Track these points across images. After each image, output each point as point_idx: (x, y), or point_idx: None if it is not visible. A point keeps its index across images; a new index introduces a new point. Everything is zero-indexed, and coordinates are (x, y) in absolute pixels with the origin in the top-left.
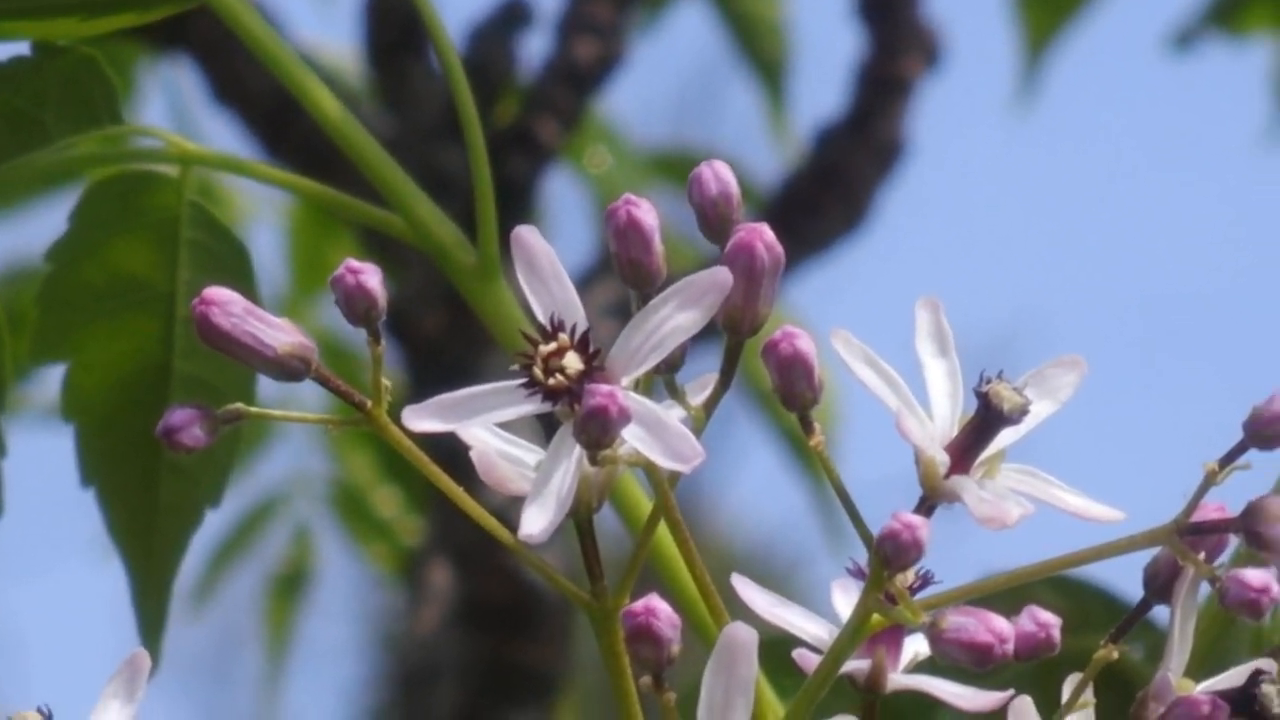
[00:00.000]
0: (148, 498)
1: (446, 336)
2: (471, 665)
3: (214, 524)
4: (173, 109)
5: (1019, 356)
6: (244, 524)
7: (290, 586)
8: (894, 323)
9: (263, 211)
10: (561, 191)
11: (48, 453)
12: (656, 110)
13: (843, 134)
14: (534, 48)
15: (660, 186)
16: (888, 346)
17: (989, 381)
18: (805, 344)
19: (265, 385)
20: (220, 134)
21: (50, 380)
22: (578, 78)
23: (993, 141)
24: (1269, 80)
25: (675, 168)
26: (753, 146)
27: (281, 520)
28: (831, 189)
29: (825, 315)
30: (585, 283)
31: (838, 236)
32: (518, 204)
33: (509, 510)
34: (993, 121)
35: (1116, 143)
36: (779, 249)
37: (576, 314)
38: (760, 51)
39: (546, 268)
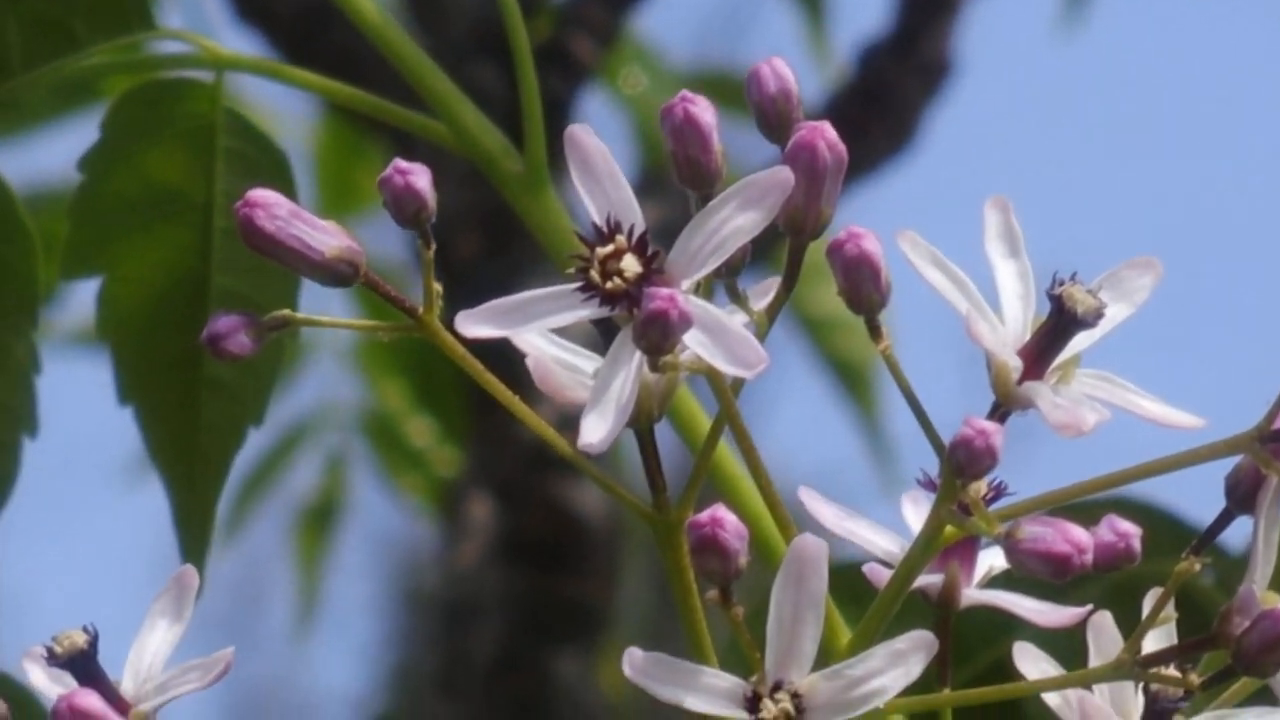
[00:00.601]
0: (188, 416)
1: (482, 260)
2: (514, 601)
3: (245, 453)
4: (192, 26)
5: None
6: (272, 455)
7: (321, 519)
8: (942, 244)
9: (288, 133)
10: (596, 113)
11: (67, 383)
12: (691, 30)
13: (887, 53)
14: None
15: None
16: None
17: (1062, 284)
18: (871, 244)
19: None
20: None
21: (71, 305)
22: None
23: (1043, 59)
24: None
25: (712, 87)
26: (793, 65)
27: (311, 451)
28: (876, 111)
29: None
30: None
31: (883, 160)
32: (554, 122)
33: (565, 435)
34: (1043, 38)
35: (1174, 56)
36: (842, 147)
37: (634, 215)
38: None
39: (601, 167)
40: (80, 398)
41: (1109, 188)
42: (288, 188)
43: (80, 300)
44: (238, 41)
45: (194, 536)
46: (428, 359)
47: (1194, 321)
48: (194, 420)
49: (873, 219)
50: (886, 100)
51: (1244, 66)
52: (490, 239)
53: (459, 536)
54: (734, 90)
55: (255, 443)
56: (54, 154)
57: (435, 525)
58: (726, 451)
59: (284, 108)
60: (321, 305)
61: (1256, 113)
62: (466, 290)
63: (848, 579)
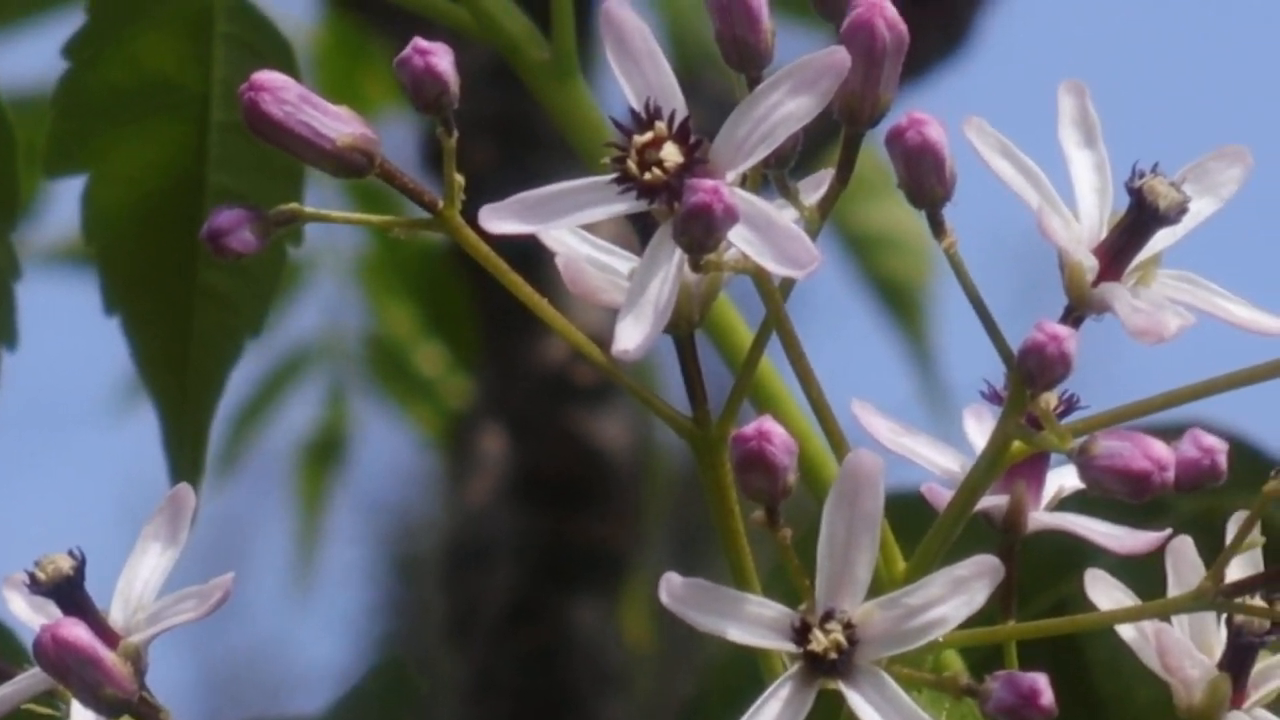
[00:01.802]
0: (180, 325)
1: (498, 171)
2: (528, 544)
3: (235, 385)
4: None
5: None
6: (269, 384)
7: (322, 456)
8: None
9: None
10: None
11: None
12: None
13: None
14: None
15: None
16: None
17: (1143, 176)
18: (935, 132)
19: None
20: None
21: (48, 222)
22: None
23: None
24: None
25: None
26: None
27: (311, 380)
28: (926, 7)
29: None
30: None
31: (934, 62)
32: (581, 9)
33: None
34: None
35: None
36: (902, 27)
37: (675, 100)
38: None
39: (640, 47)
40: (61, 324)
41: (1192, 84)
42: (293, 77)
43: (58, 216)
44: None
45: (186, 458)
46: (438, 279)
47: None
48: (186, 330)
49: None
50: None
51: None
52: (510, 146)
53: (468, 473)
54: None
55: (248, 372)
56: (36, 54)
57: (442, 461)
58: (771, 367)
59: (281, 5)
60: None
61: None
62: (480, 203)
63: (904, 508)
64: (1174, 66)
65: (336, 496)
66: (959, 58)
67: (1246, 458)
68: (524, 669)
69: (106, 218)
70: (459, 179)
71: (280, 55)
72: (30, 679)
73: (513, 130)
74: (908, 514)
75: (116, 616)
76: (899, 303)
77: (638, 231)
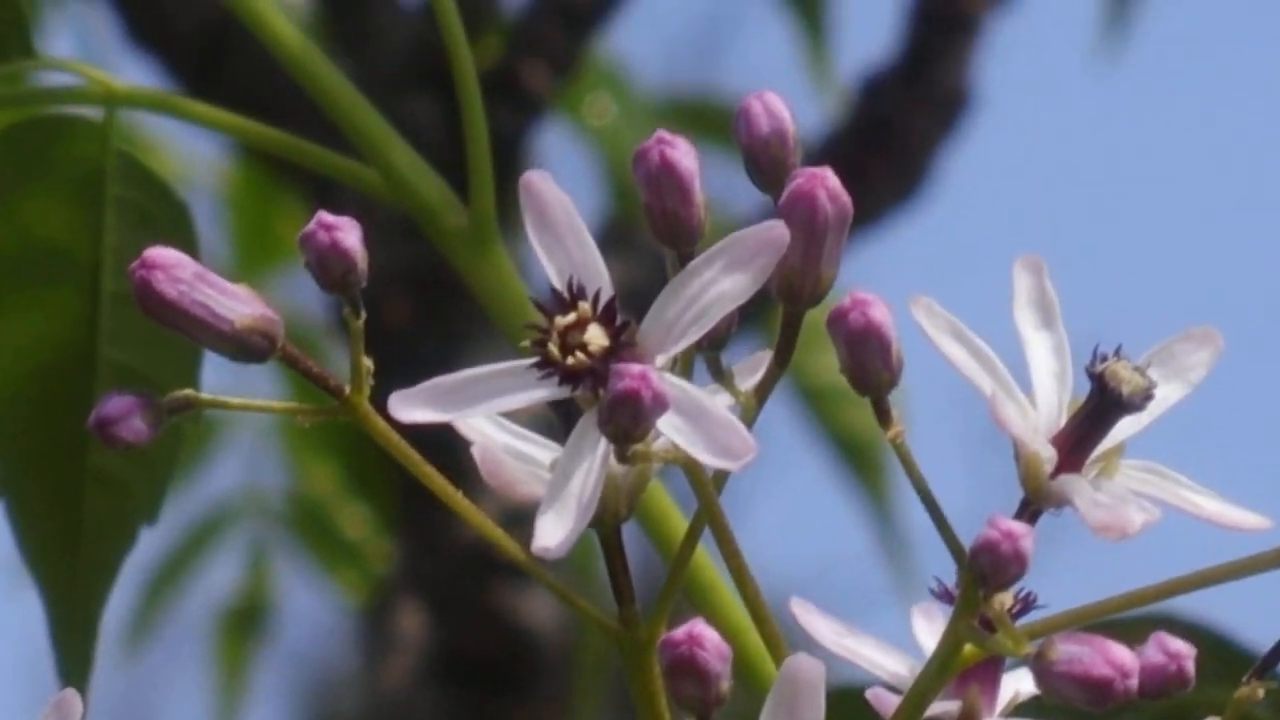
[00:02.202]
0: (69, 514)
1: (418, 327)
2: None
3: (149, 548)
4: (84, 50)
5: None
6: (185, 546)
7: (243, 623)
8: (956, 309)
9: (196, 174)
10: (556, 148)
11: None
12: (669, 48)
13: (894, 82)
14: None
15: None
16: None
17: (1105, 359)
18: (880, 313)
19: (209, 377)
20: (139, 80)
21: None
22: (571, 15)
23: (1075, 90)
24: None
25: (693, 117)
26: (785, 94)
27: (231, 543)
28: (881, 149)
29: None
30: None
31: (889, 207)
32: (504, 163)
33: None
34: (1074, 65)
35: (1224, 89)
36: (846, 199)
37: (600, 278)
38: None
39: (562, 221)
40: None
41: (1154, 242)
42: (189, 245)
43: None
44: (133, 69)
45: (74, 655)
46: (360, 437)
47: (1257, 402)
48: (76, 519)
49: (875, 276)
50: (893, 137)
51: None
52: (428, 302)
53: (386, 651)
54: (717, 120)
55: (164, 534)
56: None
57: (358, 637)
58: (705, 555)
59: (191, 146)
60: (237, 374)
61: None
62: (399, 362)
63: (848, 706)
64: (1142, 208)
65: (259, 666)
66: (913, 202)
67: (1215, 650)
68: None
69: None
70: (367, 363)
71: (176, 221)
72: None
73: (435, 284)
74: (860, 710)
75: None
76: (857, 458)
77: (560, 418)
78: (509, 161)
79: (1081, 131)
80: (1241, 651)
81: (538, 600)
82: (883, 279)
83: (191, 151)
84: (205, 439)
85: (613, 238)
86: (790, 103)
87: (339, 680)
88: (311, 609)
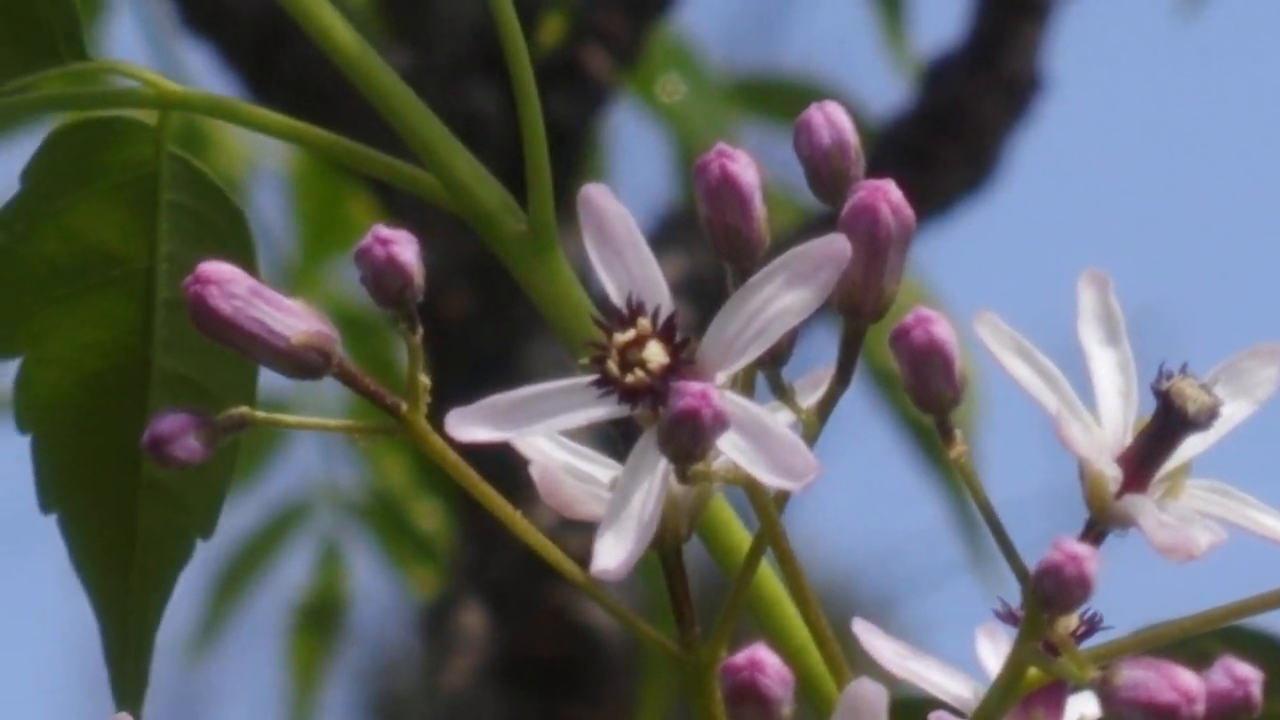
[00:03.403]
0: (124, 526)
1: (479, 321)
2: None
3: (221, 543)
4: (145, 35)
5: (1188, 343)
6: (257, 543)
7: (317, 620)
8: (1026, 297)
9: (262, 160)
10: (625, 130)
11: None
12: (738, 25)
13: (963, 66)
14: None
15: (749, 120)
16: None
17: (1170, 377)
18: (943, 330)
19: (269, 379)
20: (199, 66)
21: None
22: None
23: (1148, 74)
24: None
25: (766, 97)
26: (858, 73)
27: (304, 538)
28: (951, 134)
29: (944, 292)
30: (653, 248)
31: (959, 193)
32: (567, 150)
33: (567, 538)
34: (1148, 49)
35: None
36: (909, 212)
37: (660, 294)
38: None
39: (622, 235)
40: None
41: (1228, 229)
42: (246, 252)
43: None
44: (195, 54)
45: (129, 674)
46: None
47: None
48: (131, 531)
49: (944, 264)
50: (963, 122)
51: None
52: (487, 295)
53: (447, 651)
54: (788, 99)
55: (237, 527)
56: None
57: (424, 635)
58: (768, 571)
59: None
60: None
61: None
62: (461, 359)
63: (916, 716)
64: (1216, 191)
65: (332, 662)
66: (985, 189)
67: None
68: None
69: (43, 404)
70: (425, 380)
71: (232, 227)
72: None
73: (495, 276)
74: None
75: None
76: (930, 444)
77: (620, 436)
78: (573, 148)
79: (1153, 113)
80: None
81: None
82: (951, 267)
83: (258, 137)
84: (274, 433)
85: (683, 223)
86: (858, 88)
87: (410, 677)
88: (386, 603)
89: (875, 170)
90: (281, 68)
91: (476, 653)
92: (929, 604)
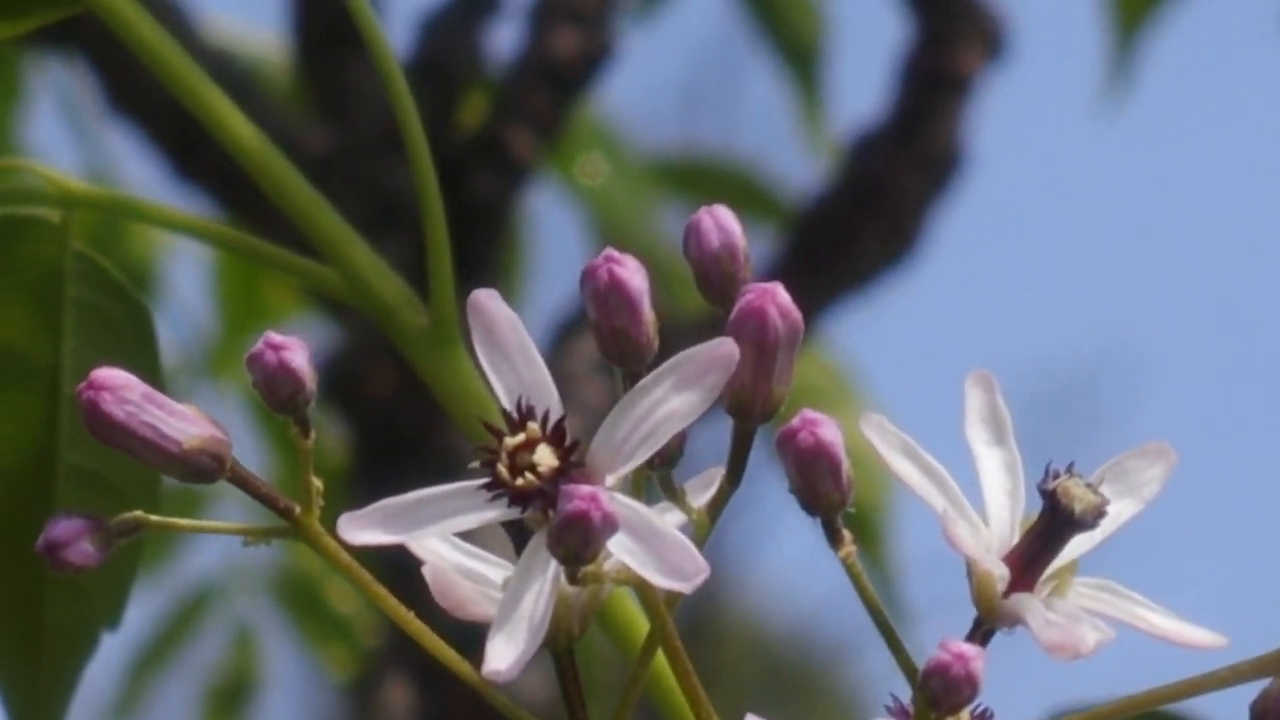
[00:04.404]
0: (31, 619)
1: (400, 400)
2: None
3: (135, 623)
4: (67, 118)
5: (1099, 412)
6: (172, 625)
7: (230, 699)
8: (948, 373)
9: (182, 243)
10: (547, 211)
11: None
12: (660, 106)
13: (885, 141)
14: (504, 39)
15: (670, 200)
16: (942, 402)
17: (1057, 476)
18: (829, 433)
19: None
20: (124, 147)
21: None
22: (556, 77)
23: (1072, 148)
24: None
25: (687, 178)
26: (778, 150)
27: (218, 618)
28: (872, 208)
29: (866, 364)
30: (574, 328)
31: (880, 267)
32: (487, 231)
33: (473, 627)
34: (1072, 123)
35: (1223, 144)
36: (796, 315)
37: (549, 398)
38: (790, 36)
39: (511, 340)
40: None
41: (1150, 292)
42: (148, 349)
43: None
44: (119, 133)
45: None
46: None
47: (1239, 501)
48: (38, 624)
49: (866, 338)
50: (884, 196)
51: None
52: (409, 374)
53: None
54: (712, 179)
55: (151, 608)
56: None
57: (346, 712)
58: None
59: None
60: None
61: None
62: (381, 434)
63: None
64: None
65: None
66: (905, 261)
67: None
68: None
69: None
70: (317, 483)
71: (135, 323)
72: None
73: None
74: None
75: None
76: (856, 527)
77: (512, 538)
78: (496, 227)
79: (1072, 186)
80: None
81: (529, 673)
82: (872, 339)
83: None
84: (192, 511)
85: None
86: (763, 175)
87: None
88: (300, 684)
89: (797, 246)
90: (205, 150)
91: None
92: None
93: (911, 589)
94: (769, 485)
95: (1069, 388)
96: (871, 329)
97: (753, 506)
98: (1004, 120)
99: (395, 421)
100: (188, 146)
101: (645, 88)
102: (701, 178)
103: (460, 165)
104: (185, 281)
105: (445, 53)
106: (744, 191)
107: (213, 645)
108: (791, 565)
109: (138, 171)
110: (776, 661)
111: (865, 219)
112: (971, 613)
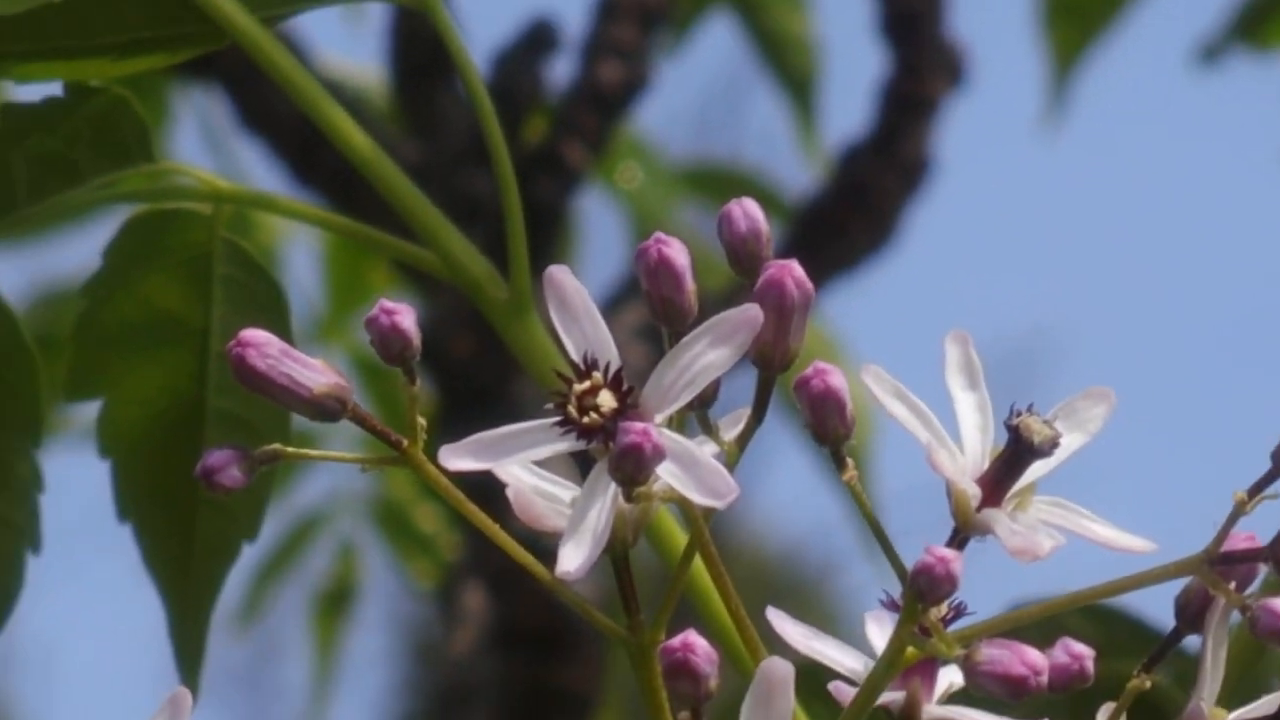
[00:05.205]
0: (185, 533)
1: (477, 360)
2: (506, 687)
3: (259, 541)
4: (206, 134)
5: (1044, 374)
6: (288, 542)
7: (335, 603)
8: (920, 339)
9: (299, 232)
10: (593, 209)
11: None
12: (682, 122)
13: (868, 152)
14: (560, 70)
15: (691, 200)
16: (915, 363)
17: (1019, 414)
18: (837, 379)
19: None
20: (253, 158)
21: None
22: (603, 101)
23: (1020, 159)
24: None
25: (706, 182)
26: (779, 159)
27: (325, 537)
28: (857, 207)
29: (853, 332)
30: (616, 303)
31: (864, 255)
32: (547, 226)
33: (541, 540)
34: (1020, 139)
35: (1145, 159)
36: (809, 285)
37: (609, 352)
38: (789, 67)
39: (579, 306)
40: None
41: (1086, 281)
42: (281, 315)
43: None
44: (249, 149)
45: (188, 647)
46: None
47: (1160, 440)
48: (190, 537)
49: (853, 314)
50: (867, 198)
51: (1225, 162)
52: (486, 340)
53: (455, 623)
54: (726, 182)
55: (272, 529)
56: (75, 252)
57: (433, 615)
58: (702, 570)
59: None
60: None
61: (1234, 208)
62: (462, 390)
63: (818, 679)
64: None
65: (351, 638)
66: (885, 251)
67: (1127, 630)
68: None
69: (120, 436)
70: (421, 421)
71: (270, 294)
72: None
73: (487, 324)
74: (826, 682)
75: None
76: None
77: (579, 465)
78: (555, 223)
79: (1024, 191)
80: (1150, 630)
81: (578, 583)
82: (861, 314)
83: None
84: (311, 447)
85: (638, 283)
86: (768, 180)
87: (416, 642)
88: (392, 592)
89: (796, 238)
90: (320, 161)
91: (477, 625)
92: (863, 570)
93: (887, 517)
94: (767, 430)
95: (1013, 354)
96: (857, 305)
97: (753, 449)
98: (964, 136)
99: (472, 377)
100: (305, 158)
101: (671, 109)
102: (717, 182)
103: (525, 173)
104: (299, 264)
105: (513, 81)
106: (751, 193)
107: (321, 560)
108: (788, 494)
109: (263, 179)
110: (775, 577)
111: (852, 216)
112: (936, 534)
